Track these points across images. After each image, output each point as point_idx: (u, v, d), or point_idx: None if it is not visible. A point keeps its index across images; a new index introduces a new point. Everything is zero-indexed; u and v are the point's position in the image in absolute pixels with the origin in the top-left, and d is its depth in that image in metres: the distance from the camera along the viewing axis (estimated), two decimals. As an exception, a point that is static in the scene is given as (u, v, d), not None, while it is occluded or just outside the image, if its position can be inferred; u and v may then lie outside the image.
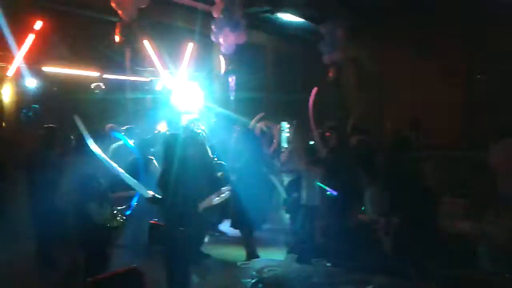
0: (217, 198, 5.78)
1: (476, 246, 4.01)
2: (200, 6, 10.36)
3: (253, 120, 7.90)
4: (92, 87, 9.08)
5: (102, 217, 5.13)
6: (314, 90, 7.68)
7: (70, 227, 5.43)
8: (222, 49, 9.75)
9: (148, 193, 5.16)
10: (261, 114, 8.05)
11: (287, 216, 6.91)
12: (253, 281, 3.24)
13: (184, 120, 8.42)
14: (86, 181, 5.14)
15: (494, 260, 3.92)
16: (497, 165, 6.89)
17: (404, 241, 4.12)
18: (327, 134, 6.67)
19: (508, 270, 3.79)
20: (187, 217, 4.76)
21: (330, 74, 11.04)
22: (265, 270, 3.43)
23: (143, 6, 7.96)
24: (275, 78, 13.53)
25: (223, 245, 7.42)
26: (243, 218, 6.06)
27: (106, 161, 5.70)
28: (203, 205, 5.04)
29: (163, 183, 4.95)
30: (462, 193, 6.92)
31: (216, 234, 7.96)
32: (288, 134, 11.76)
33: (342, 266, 3.53)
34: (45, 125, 6.92)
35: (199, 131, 7.87)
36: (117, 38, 7.96)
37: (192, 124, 7.68)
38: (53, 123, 7.13)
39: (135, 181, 6.23)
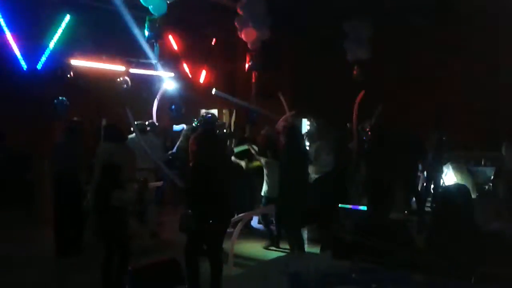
0: None
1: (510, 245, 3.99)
2: (225, 2, 10.40)
3: (285, 117, 7.95)
4: (118, 81, 9.20)
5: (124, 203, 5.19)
6: (361, 93, 7.85)
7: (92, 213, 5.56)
8: (248, 46, 9.80)
9: (181, 183, 5.25)
10: (292, 112, 8.08)
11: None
12: (291, 276, 3.27)
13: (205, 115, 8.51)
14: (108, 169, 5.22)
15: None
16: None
17: (438, 239, 4.11)
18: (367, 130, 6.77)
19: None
20: (216, 210, 4.83)
21: (355, 73, 11.01)
22: (302, 265, 3.47)
23: (170, 1, 8.01)
24: (296, 75, 13.53)
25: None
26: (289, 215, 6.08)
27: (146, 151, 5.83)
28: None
29: (193, 177, 5.00)
30: (489, 192, 6.92)
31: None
32: (308, 131, 11.77)
33: (378, 263, 3.54)
34: (71, 119, 7.05)
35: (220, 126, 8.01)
36: (145, 33, 8.04)
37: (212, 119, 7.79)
38: (79, 116, 7.29)
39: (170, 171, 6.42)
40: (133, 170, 6.19)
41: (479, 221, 4.38)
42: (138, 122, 7.78)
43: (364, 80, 10.78)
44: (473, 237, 3.91)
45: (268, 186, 7.10)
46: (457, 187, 4.62)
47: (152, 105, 9.30)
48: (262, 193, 7.25)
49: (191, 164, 4.97)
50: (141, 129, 7.51)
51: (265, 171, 7.20)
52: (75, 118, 7.12)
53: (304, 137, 9.60)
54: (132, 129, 7.24)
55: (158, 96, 9.33)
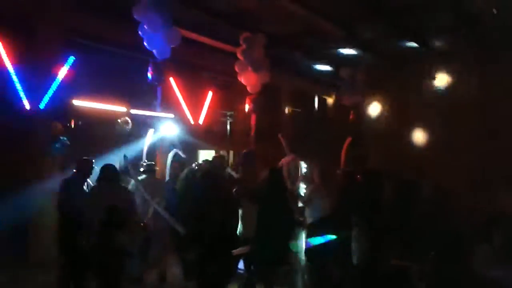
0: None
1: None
2: (225, 47, 10.69)
3: (286, 159, 8.02)
4: (119, 121, 9.31)
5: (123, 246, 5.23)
6: (348, 140, 7.90)
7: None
8: (248, 89, 10.01)
9: (183, 229, 5.28)
10: (291, 156, 8.17)
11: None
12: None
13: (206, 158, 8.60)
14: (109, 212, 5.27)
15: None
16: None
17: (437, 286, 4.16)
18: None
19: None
20: (218, 253, 4.86)
21: (351, 117, 11.25)
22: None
23: (174, 46, 8.23)
24: (293, 118, 13.75)
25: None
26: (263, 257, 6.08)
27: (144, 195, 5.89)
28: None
29: (195, 219, 5.04)
30: (483, 239, 6.93)
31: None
32: (305, 173, 11.86)
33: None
34: (83, 157, 7.04)
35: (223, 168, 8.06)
36: (149, 76, 8.22)
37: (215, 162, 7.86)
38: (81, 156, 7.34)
39: (169, 215, 6.43)
40: (133, 211, 6.25)
41: (479, 268, 4.44)
42: (148, 162, 7.88)
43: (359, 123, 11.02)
44: (475, 285, 3.96)
45: (244, 227, 6.94)
46: (454, 234, 4.71)
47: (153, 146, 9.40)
48: (238, 233, 7.10)
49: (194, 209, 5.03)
50: (149, 170, 7.59)
51: (240, 211, 6.98)
52: (85, 157, 7.09)
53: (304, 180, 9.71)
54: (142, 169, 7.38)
55: (148, 137, 9.30)
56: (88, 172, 6.83)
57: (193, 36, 10.15)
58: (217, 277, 4.81)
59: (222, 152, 13.38)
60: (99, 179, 6.46)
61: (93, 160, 6.96)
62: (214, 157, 7.90)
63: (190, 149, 11.20)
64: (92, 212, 6.09)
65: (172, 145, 10.53)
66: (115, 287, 5.20)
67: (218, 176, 5.48)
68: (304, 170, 12.15)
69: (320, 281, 5.87)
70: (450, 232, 5.12)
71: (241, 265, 8.06)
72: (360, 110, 11.32)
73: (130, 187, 7.28)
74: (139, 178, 7.40)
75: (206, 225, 4.79)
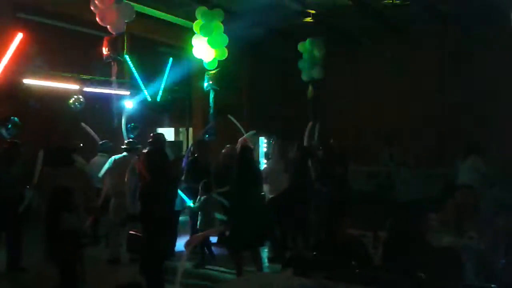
0: None
1: (461, 259, 4.21)
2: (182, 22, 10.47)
3: (244, 136, 7.99)
4: (71, 100, 9.06)
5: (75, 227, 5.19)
6: (310, 123, 8.01)
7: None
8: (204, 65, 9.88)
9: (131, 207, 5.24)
10: (253, 132, 8.15)
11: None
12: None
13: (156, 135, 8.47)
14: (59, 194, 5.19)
15: (478, 273, 4.14)
16: (464, 180, 7.30)
17: (391, 254, 4.27)
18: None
19: (491, 282, 4.01)
20: (163, 229, 4.87)
21: (309, 91, 11.31)
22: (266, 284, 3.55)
23: (128, 20, 8.02)
24: (253, 94, 13.71)
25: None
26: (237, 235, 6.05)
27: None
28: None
29: (144, 197, 5.00)
30: (437, 208, 7.21)
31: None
32: (266, 149, 11.93)
33: (338, 279, 3.66)
34: (8, 140, 7.07)
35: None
36: (104, 52, 7.99)
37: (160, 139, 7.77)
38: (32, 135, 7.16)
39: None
40: (86, 193, 6.19)
41: (431, 237, 4.59)
42: (129, 140, 7.73)
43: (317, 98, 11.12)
44: (426, 253, 4.10)
45: None
46: (410, 204, 4.85)
47: (109, 124, 9.16)
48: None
49: (142, 184, 5.00)
50: (131, 148, 7.41)
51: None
52: (9, 140, 7.20)
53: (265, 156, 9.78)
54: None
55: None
56: (15, 155, 6.79)
57: (148, 10, 9.89)
58: (160, 252, 4.84)
59: (181, 129, 13.33)
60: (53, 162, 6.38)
61: (18, 143, 6.93)
62: (153, 135, 7.77)
63: (149, 127, 11.04)
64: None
65: (129, 124, 10.36)
66: (71, 270, 5.11)
67: (159, 153, 5.40)
68: (264, 146, 12.26)
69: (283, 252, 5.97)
70: (405, 201, 5.28)
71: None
72: (320, 84, 11.37)
73: (107, 165, 7.32)
74: (118, 156, 7.38)
75: (154, 202, 4.79)
